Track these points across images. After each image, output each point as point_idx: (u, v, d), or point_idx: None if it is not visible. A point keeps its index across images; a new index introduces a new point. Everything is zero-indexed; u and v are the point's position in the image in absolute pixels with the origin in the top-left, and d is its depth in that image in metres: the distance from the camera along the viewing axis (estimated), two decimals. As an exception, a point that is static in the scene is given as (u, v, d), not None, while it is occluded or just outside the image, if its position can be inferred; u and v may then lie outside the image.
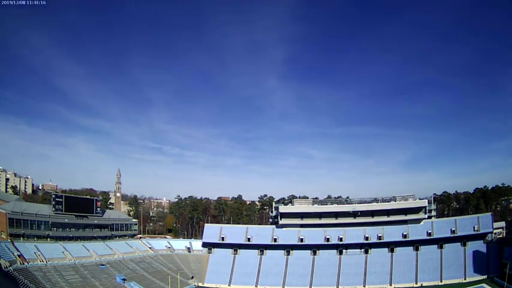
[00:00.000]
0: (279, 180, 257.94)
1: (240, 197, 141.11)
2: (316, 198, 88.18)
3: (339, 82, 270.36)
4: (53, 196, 71.88)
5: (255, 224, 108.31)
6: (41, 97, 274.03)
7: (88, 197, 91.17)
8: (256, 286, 68.41)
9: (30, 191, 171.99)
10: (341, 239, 73.11)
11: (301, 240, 74.84)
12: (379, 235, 72.08)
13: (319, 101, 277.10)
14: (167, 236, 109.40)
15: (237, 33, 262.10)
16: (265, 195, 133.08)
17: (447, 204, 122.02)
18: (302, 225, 78.44)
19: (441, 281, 62.07)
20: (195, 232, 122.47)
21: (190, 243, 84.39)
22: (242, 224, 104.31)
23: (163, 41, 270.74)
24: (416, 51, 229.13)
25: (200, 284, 68.84)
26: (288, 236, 76.22)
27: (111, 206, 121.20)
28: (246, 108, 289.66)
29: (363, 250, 72.45)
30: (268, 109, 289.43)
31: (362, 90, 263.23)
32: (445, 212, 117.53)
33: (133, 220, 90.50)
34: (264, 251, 76.44)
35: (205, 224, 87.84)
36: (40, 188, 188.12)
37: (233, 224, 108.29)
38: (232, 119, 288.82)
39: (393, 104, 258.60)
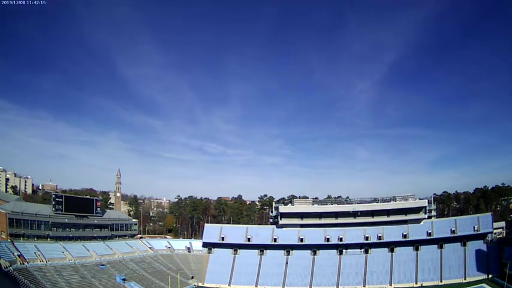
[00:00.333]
0: (280, 179, 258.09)
1: (240, 197, 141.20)
2: (316, 198, 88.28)
3: (419, 87, 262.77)
4: (53, 196, 71.91)
5: (255, 224, 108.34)
6: (88, 87, 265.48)
7: (88, 197, 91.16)
8: (256, 286, 68.41)
9: (30, 191, 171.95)
10: (341, 239, 73.10)
11: (301, 240, 74.82)
12: (379, 235, 72.07)
13: (392, 104, 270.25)
14: (167, 236, 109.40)
15: (362, 34, 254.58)
16: (265, 195, 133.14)
17: (447, 204, 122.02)
18: (302, 225, 78.41)
19: (441, 281, 62.09)
20: (195, 232, 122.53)
21: (190, 243, 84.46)
22: (242, 224, 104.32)
23: (279, 37, 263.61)
24: (486, 67, 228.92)
25: (200, 284, 68.82)
26: (288, 236, 76.20)
27: (111, 206, 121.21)
28: (321, 110, 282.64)
29: (363, 250, 72.42)
30: (342, 110, 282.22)
31: (430, 95, 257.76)
32: (445, 212, 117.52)
33: (134, 220, 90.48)
34: (264, 251, 76.43)
35: (205, 224, 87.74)
36: (40, 188, 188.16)
37: (233, 224, 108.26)
38: (299, 120, 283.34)
39: (444, 109, 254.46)
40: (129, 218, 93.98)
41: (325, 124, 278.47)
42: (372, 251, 72.06)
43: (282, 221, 78.58)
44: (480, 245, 66.41)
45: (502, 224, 76.64)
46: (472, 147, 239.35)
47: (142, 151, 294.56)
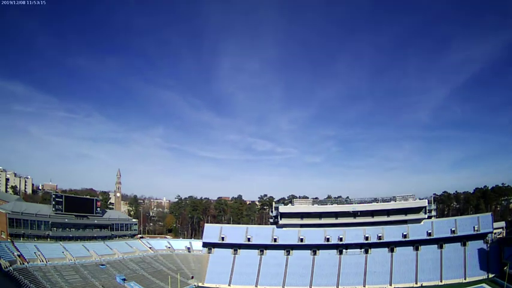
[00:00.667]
0: (279, 179, 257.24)
1: (240, 197, 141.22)
2: (316, 198, 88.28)
3: (477, 96, 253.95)
4: (53, 196, 71.95)
5: (255, 224, 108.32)
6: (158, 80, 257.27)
7: (88, 197, 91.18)
8: (256, 286, 68.40)
9: (30, 191, 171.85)
10: (341, 239, 73.08)
11: (301, 240, 74.81)
12: (379, 235, 72.05)
13: (455, 109, 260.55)
14: (167, 236, 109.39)
15: (462, 46, 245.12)
16: (265, 195, 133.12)
17: (447, 204, 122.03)
18: (302, 225, 78.38)
19: (441, 281, 62.08)
20: (195, 232, 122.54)
21: (190, 243, 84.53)
22: (242, 224, 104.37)
23: (391, 44, 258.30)
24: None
25: (200, 284, 68.80)
26: (288, 236, 76.18)
27: (111, 206, 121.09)
28: (388, 113, 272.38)
29: (363, 250, 72.41)
30: (403, 114, 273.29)
31: (481, 102, 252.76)
32: (445, 212, 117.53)
33: (134, 220, 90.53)
34: (264, 251, 76.42)
35: (205, 224, 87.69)
36: (40, 188, 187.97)
37: (233, 224, 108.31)
38: (359, 123, 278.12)
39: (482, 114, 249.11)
40: (129, 218, 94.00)
41: (381, 126, 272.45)
42: (372, 251, 72.05)
43: (282, 221, 78.56)
44: (480, 245, 66.38)
45: (502, 224, 76.59)
46: (493, 147, 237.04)
47: (181, 150, 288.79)
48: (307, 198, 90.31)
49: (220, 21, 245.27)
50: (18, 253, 52.34)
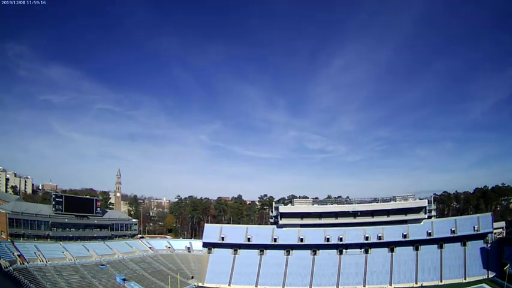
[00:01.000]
0: (279, 179, 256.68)
1: (240, 197, 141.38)
2: (316, 198, 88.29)
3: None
4: (53, 196, 72.00)
5: (255, 224, 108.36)
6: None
7: (88, 197, 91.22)
8: (256, 286, 68.39)
9: (30, 191, 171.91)
10: (341, 239, 73.08)
11: (301, 240, 74.80)
12: (379, 235, 72.04)
13: (499, 112, 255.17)
14: (167, 236, 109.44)
15: None
16: (265, 195, 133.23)
17: (447, 204, 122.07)
18: (302, 225, 78.39)
19: (441, 281, 62.06)
20: (195, 232, 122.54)
21: (190, 243, 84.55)
22: (242, 224, 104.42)
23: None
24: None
25: (200, 284, 68.80)
26: (288, 236, 76.18)
27: (111, 206, 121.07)
28: (439, 118, 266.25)
29: (363, 250, 72.39)
30: (451, 118, 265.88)
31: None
32: (445, 212, 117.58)
33: (134, 220, 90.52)
34: (264, 251, 76.41)
35: (205, 224, 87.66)
36: (40, 188, 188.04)
37: (233, 224, 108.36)
38: (414, 126, 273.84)
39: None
40: (129, 218, 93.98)
41: (426, 129, 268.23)
42: (372, 251, 72.05)
43: (282, 221, 78.55)
44: (480, 245, 66.37)
45: (502, 224, 76.65)
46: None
47: (224, 148, 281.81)
48: (307, 198, 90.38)
49: (360, 23, 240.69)
50: (18, 253, 52.33)
